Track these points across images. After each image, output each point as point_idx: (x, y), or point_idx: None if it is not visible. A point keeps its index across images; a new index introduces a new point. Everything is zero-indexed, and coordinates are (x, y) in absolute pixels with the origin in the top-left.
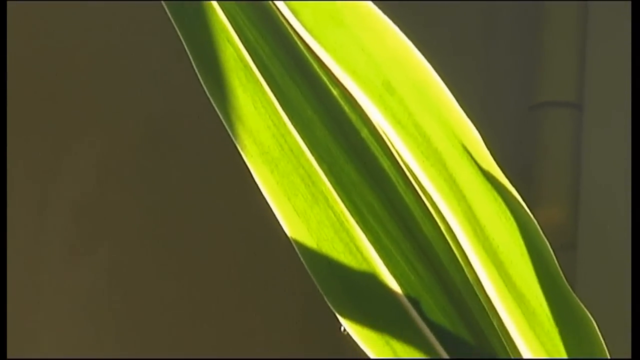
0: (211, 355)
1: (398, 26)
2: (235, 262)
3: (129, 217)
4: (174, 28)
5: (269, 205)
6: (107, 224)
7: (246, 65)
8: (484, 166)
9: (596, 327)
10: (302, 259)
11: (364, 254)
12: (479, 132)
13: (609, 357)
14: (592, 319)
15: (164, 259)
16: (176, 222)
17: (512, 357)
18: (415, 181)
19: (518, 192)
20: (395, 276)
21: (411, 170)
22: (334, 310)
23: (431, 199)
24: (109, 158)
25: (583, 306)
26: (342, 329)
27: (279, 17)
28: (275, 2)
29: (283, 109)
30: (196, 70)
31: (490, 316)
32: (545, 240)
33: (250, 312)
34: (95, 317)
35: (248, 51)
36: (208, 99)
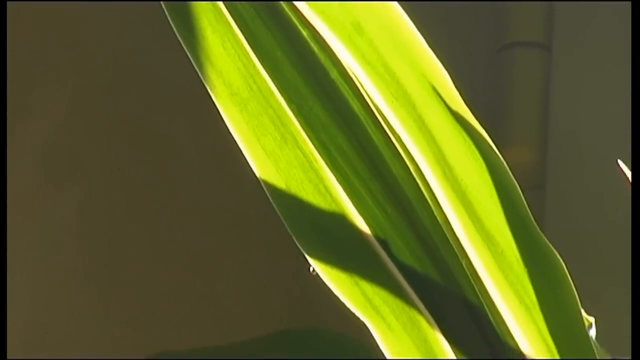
0: (178, 288)
1: None
2: (204, 200)
3: (98, 157)
4: None
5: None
6: (77, 164)
7: (215, 6)
8: (453, 107)
9: (564, 267)
10: (271, 199)
11: (333, 194)
12: (448, 73)
13: (578, 303)
14: (560, 259)
15: (134, 198)
16: (147, 161)
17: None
18: (385, 122)
19: (487, 133)
20: (364, 217)
21: (380, 111)
22: (302, 251)
23: (400, 139)
24: (79, 98)
25: (551, 246)
26: (311, 269)
27: None
28: None
29: (252, 50)
30: (165, 11)
31: (459, 257)
32: (514, 181)
33: (220, 250)
34: (64, 256)
35: None
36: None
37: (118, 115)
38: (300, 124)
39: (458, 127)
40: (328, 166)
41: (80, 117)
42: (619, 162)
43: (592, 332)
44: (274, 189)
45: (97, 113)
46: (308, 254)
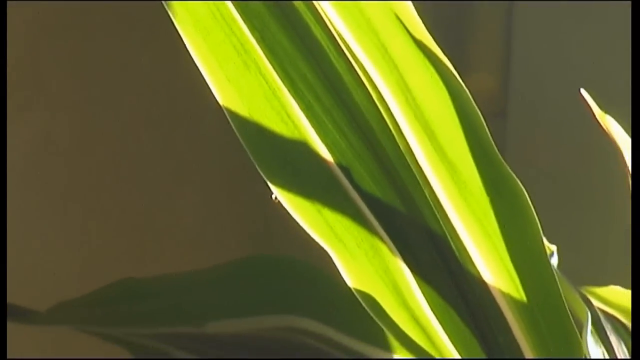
0: (140, 216)
1: None
2: (167, 128)
3: (60, 75)
4: None
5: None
6: (40, 83)
7: None
8: (416, 35)
9: (526, 195)
10: (233, 126)
11: (296, 121)
12: (411, 1)
13: (540, 231)
14: (522, 187)
15: (98, 126)
16: (111, 89)
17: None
18: (348, 50)
19: (450, 60)
20: (326, 144)
21: (344, 39)
22: (265, 178)
23: (363, 67)
24: (40, 17)
25: (514, 175)
26: (273, 196)
27: None
28: None
29: None
30: None
31: (422, 185)
32: (476, 108)
33: (182, 179)
34: (31, 179)
35: None
36: None
37: (85, 44)
38: (263, 52)
39: (421, 55)
40: (291, 94)
41: (45, 41)
42: (582, 90)
43: (554, 261)
44: (236, 117)
45: (62, 39)
46: (270, 182)
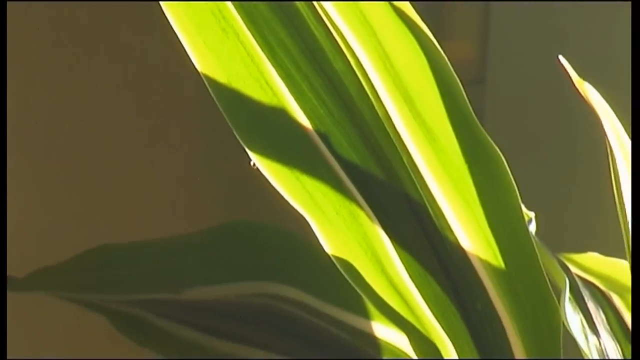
0: (118, 181)
1: None
2: (146, 94)
3: (36, 39)
4: None
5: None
6: (17, 47)
7: None
8: (395, 2)
9: (504, 162)
10: (212, 93)
11: (274, 88)
12: None
13: (518, 198)
14: (500, 154)
15: (76, 88)
16: (89, 44)
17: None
18: (327, 17)
19: (428, 27)
20: (305, 111)
21: (322, 6)
22: (243, 145)
23: (342, 35)
24: None
25: (492, 141)
26: (252, 163)
27: None
28: None
29: None
30: None
31: (400, 151)
32: (455, 75)
33: (161, 144)
34: (9, 146)
35: None
36: None
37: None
38: (242, 18)
39: (400, 22)
40: (269, 61)
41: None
42: (560, 56)
43: (532, 227)
44: (215, 84)
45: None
46: (249, 149)
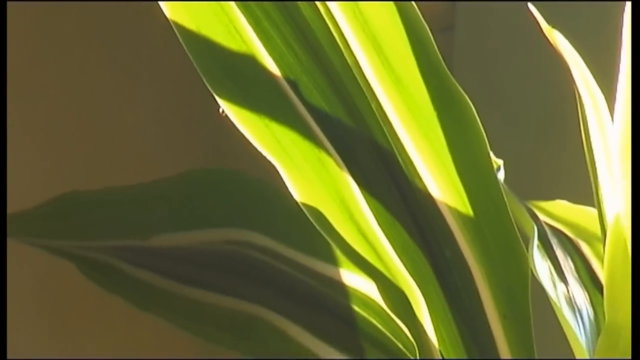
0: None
1: None
2: (116, 42)
3: None
4: None
5: None
6: None
7: None
8: None
9: (473, 110)
10: (181, 40)
11: (244, 36)
12: None
13: (487, 145)
14: (469, 102)
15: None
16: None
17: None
18: None
19: None
20: (274, 58)
21: None
22: (212, 92)
23: None
24: None
25: (460, 89)
26: (221, 111)
27: None
28: None
29: None
30: None
31: (369, 99)
32: (424, 23)
33: (130, 90)
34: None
35: None
36: None
37: None
38: None
39: None
40: (239, 8)
41: None
42: (529, 4)
43: (501, 175)
44: (184, 31)
45: None
46: (218, 96)
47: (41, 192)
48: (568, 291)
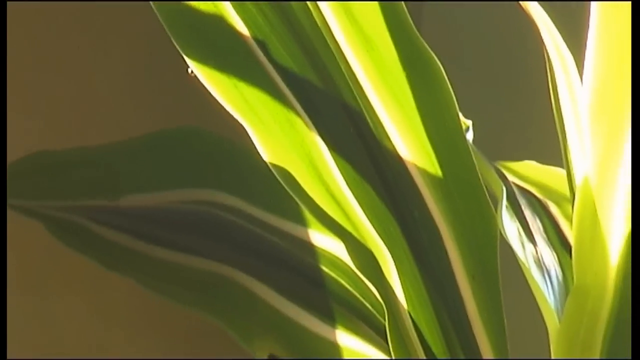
0: (53, 89)
1: None
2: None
3: None
4: None
5: None
6: None
7: None
8: None
9: (442, 71)
10: (151, 2)
11: None
12: None
13: (456, 106)
14: (438, 62)
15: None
16: None
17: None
18: None
19: None
20: (243, 19)
21: None
22: (181, 52)
23: None
24: None
25: (430, 50)
26: (190, 71)
27: None
28: None
29: None
30: None
31: (338, 59)
32: None
33: (99, 50)
34: None
35: None
36: None
37: None
38: None
39: None
40: None
41: None
42: None
43: (470, 135)
44: None
45: None
46: (187, 56)
47: (10, 153)
48: (536, 252)
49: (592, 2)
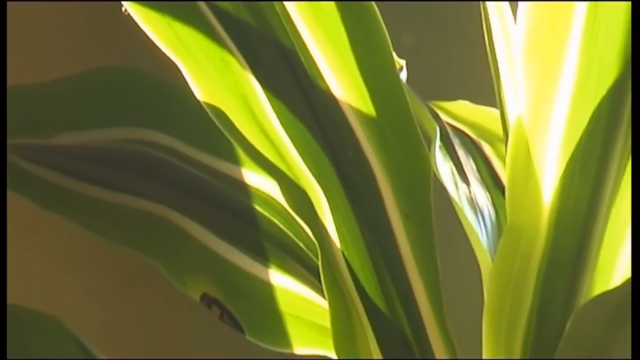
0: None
1: None
2: None
3: None
4: None
5: None
6: None
7: None
8: None
9: (376, 11)
10: None
11: None
12: None
13: (390, 46)
14: (372, 2)
15: None
16: None
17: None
18: None
19: None
20: None
21: None
22: None
23: None
24: None
25: None
26: (124, 10)
27: None
28: None
29: None
30: None
31: (276, 6)
32: None
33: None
34: None
35: None
36: None
37: None
38: None
39: None
40: None
41: None
42: None
43: (403, 75)
44: None
45: None
46: None
47: None
48: (470, 192)
49: None
